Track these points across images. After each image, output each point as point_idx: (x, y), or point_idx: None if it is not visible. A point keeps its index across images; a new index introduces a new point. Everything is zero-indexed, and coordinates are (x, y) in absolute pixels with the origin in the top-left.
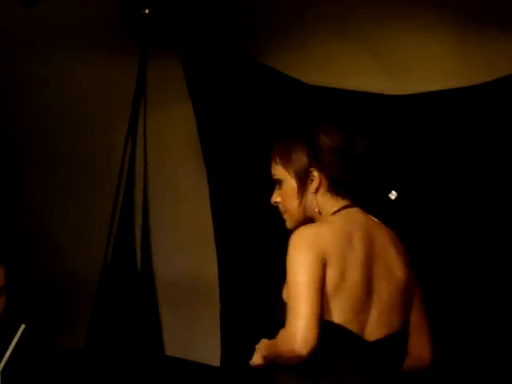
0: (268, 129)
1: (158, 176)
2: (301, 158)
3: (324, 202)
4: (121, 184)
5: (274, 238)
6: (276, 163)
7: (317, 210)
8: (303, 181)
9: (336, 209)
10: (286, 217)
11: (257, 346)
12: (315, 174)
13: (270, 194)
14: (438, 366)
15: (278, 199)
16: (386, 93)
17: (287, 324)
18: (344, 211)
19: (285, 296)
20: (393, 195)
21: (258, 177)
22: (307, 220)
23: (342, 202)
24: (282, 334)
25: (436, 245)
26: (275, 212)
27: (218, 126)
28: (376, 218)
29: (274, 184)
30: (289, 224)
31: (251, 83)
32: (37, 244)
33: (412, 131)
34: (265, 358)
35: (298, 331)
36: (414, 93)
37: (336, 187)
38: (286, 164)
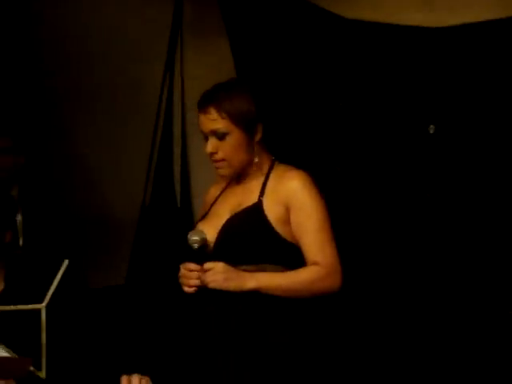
0: (307, 67)
1: (195, 114)
2: (250, 112)
3: (260, 153)
4: (159, 122)
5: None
6: (221, 117)
7: (257, 161)
8: (251, 133)
9: (270, 160)
10: (223, 165)
11: (250, 273)
12: (260, 126)
13: (309, 137)
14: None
15: (216, 150)
16: (425, 25)
17: (323, 258)
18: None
19: (290, 236)
20: (431, 129)
21: (294, 115)
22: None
23: (270, 156)
24: (318, 269)
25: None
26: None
27: (255, 65)
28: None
29: (205, 136)
30: (225, 172)
31: (289, 20)
32: (76, 182)
33: (452, 65)
34: (274, 287)
35: (338, 266)
36: (455, 24)
37: (264, 141)
38: (234, 117)
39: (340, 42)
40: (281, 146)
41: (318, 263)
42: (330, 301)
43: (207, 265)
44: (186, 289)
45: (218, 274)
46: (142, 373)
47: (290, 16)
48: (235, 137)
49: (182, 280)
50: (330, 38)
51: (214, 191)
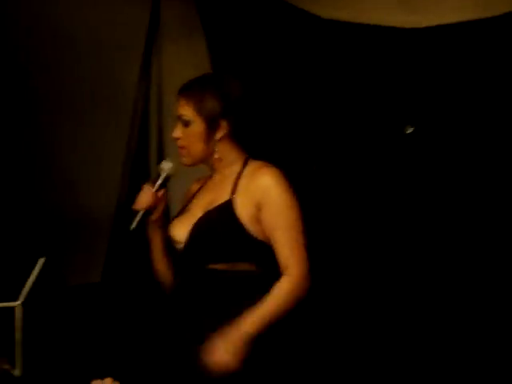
0: (282, 64)
1: (172, 109)
2: (214, 107)
3: (226, 150)
4: (136, 119)
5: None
6: (188, 105)
7: (217, 157)
8: (212, 127)
9: (244, 158)
10: (183, 153)
11: (236, 331)
12: (224, 123)
13: (285, 135)
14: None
15: (180, 135)
16: (401, 26)
17: (294, 264)
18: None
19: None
20: (408, 130)
21: (270, 113)
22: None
23: (244, 153)
24: (289, 286)
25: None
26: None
27: (232, 61)
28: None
29: (176, 119)
30: (185, 161)
31: (265, 18)
32: (51, 180)
33: (429, 65)
34: (259, 329)
35: (307, 273)
36: (431, 25)
37: (237, 138)
38: (198, 108)
39: (316, 42)
40: (256, 144)
41: (289, 270)
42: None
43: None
44: (135, 205)
45: (222, 357)
46: (115, 377)
47: (267, 16)
48: (197, 127)
49: (137, 198)
50: (307, 38)
51: (194, 188)
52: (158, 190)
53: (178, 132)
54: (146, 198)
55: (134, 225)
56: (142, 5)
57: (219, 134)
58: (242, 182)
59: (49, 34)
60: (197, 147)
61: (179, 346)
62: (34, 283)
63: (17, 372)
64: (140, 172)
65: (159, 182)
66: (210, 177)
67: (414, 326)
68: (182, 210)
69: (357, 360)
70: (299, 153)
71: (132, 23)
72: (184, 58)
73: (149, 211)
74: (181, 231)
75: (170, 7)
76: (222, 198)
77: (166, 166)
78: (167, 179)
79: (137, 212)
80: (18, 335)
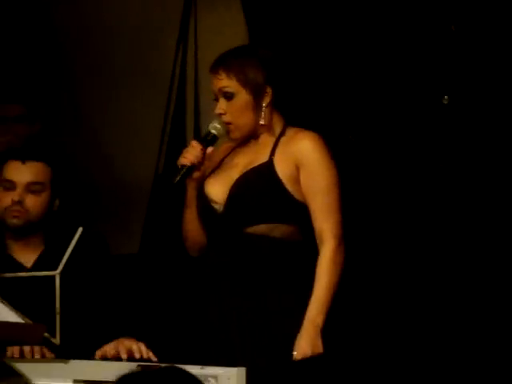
0: (317, 34)
1: (209, 82)
2: (258, 74)
3: (272, 117)
4: (172, 91)
5: None
6: (229, 77)
7: (262, 123)
8: (258, 95)
9: (282, 124)
10: (231, 128)
11: (311, 321)
12: (269, 89)
13: (322, 105)
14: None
15: (223, 111)
16: None
17: (329, 228)
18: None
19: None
20: (446, 100)
21: (308, 82)
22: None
23: (283, 120)
24: (330, 257)
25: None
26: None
27: (268, 30)
28: None
29: (216, 98)
30: (234, 135)
31: None
32: (90, 154)
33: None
34: (327, 311)
35: (341, 238)
36: None
37: (277, 106)
38: (242, 78)
39: (351, 11)
40: (293, 113)
41: (324, 235)
42: None
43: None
44: (180, 160)
45: (308, 352)
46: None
47: None
48: (242, 98)
49: (183, 152)
50: (341, 7)
51: (223, 150)
52: (205, 148)
53: (222, 107)
54: (194, 152)
55: (178, 178)
56: None
57: (266, 101)
58: (281, 145)
59: (86, 6)
60: (245, 118)
61: (218, 316)
62: (74, 252)
63: (56, 340)
64: (177, 145)
65: (207, 140)
66: (243, 141)
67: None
68: (214, 171)
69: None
70: (336, 122)
71: None
72: (221, 31)
73: (192, 167)
74: (218, 191)
75: None
76: (261, 159)
77: (216, 126)
78: (215, 139)
79: (183, 167)
80: (57, 304)
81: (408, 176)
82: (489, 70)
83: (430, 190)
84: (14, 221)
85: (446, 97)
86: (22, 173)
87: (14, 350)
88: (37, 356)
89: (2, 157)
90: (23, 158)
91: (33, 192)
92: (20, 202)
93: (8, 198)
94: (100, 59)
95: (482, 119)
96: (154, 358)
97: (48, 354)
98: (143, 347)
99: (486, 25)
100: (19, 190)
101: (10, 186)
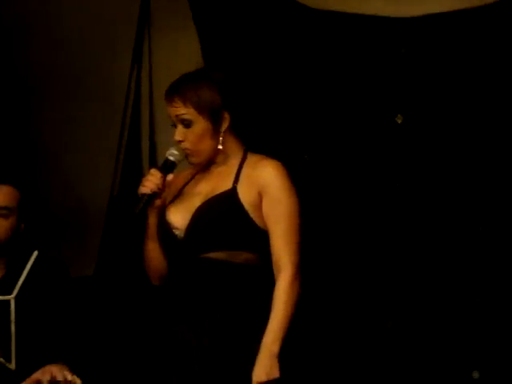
0: (274, 57)
1: (164, 102)
2: (214, 100)
3: (228, 142)
4: (127, 111)
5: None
6: (185, 104)
7: (221, 148)
8: (217, 121)
9: (242, 149)
10: (191, 154)
11: (266, 349)
12: (226, 114)
13: (277, 125)
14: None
15: (183, 138)
16: (388, 15)
17: (288, 258)
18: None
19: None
20: (399, 119)
21: (262, 104)
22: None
23: (242, 145)
24: (288, 285)
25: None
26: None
27: (222, 50)
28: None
29: (174, 124)
30: (193, 161)
31: (256, 9)
32: (44, 175)
33: (419, 54)
34: (283, 339)
35: (298, 268)
36: (416, 15)
37: (235, 130)
38: (198, 105)
39: (306, 31)
40: (248, 135)
41: (281, 263)
42: None
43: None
44: (141, 189)
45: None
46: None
47: (257, 6)
48: (200, 125)
49: (143, 181)
50: (297, 28)
51: (183, 177)
52: (165, 175)
53: (180, 135)
54: (153, 180)
55: (139, 207)
56: None
57: (224, 126)
58: (244, 172)
59: (40, 32)
60: (204, 145)
61: (177, 341)
62: (31, 276)
63: (12, 365)
64: (132, 165)
65: (167, 166)
66: (203, 168)
67: (411, 326)
68: (175, 199)
69: (354, 360)
70: (291, 142)
71: (122, 16)
72: (175, 51)
73: (153, 196)
74: (180, 218)
75: None
76: (224, 186)
77: (173, 152)
78: (173, 166)
79: (143, 196)
80: (12, 328)
81: (363, 195)
82: (442, 88)
83: (386, 210)
84: None
85: (399, 115)
86: None
87: None
88: None
89: None
90: None
91: (0, 216)
92: None
93: None
94: (56, 78)
95: (435, 138)
96: (78, 382)
97: None
98: (66, 371)
99: (438, 46)
100: None
101: None
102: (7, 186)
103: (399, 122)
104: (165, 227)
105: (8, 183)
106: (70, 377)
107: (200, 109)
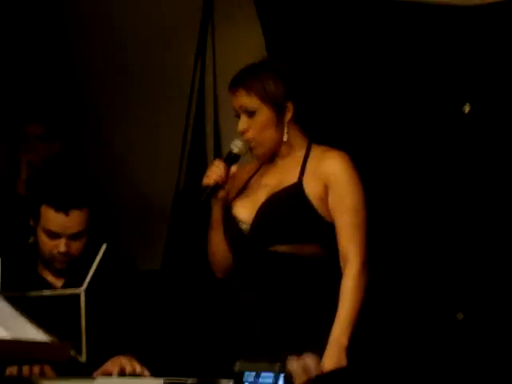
0: (335, 45)
1: (228, 95)
2: (278, 90)
3: (294, 133)
4: (191, 106)
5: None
6: (249, 94)
7: (286, 140)
8: (280, 111)
9: (307, 141)
10: (254, 145)
11: (335, 341)
12: (289, 104)
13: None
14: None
15: (247, 127)
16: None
17: (354, 250)
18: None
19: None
20: (467, 108)
21: (324, 91)
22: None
23: (306, 137)
24: (355, 277)
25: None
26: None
27: (286, 42)
28: None
29: (237, 115)
30: (257, 152)
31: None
32: (110, 168)
33: (487, 42)
34: (351, 332)
35: (365, 259)
36: (479, 4)
37: (299, 121)
38: (262, 95)
39: (372, 22)
40: (313, 127)
41: (349, 256)
42: None
43: None
44: (204, 180)
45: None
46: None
47: None
48: (264, 115)
49: (206, 172)
50: (362, 19)
51: (247, 170)
52: (229, 167)
53: (244, 124)
54: (217, 171)
55: (204, 197)
56: None
57: (287, 117)
58: (310, 165)
59: (104, 21)
60: (267, 135)
61: (245, 334)
62: (100, 269)
63: (82, 358)
64: (197, 159)
65: (230, 158)
66: (268, 160)
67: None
68: (241, 193)
69: (422, 352)
70: (356, 136)
71: (186, 9)
72: (238, 43)
73: (217, 187)
74: (246, 212)
75: None
76: (289, 179)
77: (237, 143)
78: (237, 158)
79: (207, 187)
80: (82, 321)
81: (429, 187)
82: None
83: (453, 201)
84: (59, 265)
85: (467, 105)
86: (67, 226)
87: (11, 370)
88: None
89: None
90: (66, 209)
91: (76, 238)
92: (66, 252)
93: (52, 245)
94: (120, 73)
95: (503, 128)
96: (147, 373)
97: (49, 373)
98: (135, 363)
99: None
100: (64, 239)
101: (53, 235)
102: (81, 210)
103: (466, 111)
104: (231, 221)
105: (81, 207)
106: (138, 368)
107: (263, 98)
